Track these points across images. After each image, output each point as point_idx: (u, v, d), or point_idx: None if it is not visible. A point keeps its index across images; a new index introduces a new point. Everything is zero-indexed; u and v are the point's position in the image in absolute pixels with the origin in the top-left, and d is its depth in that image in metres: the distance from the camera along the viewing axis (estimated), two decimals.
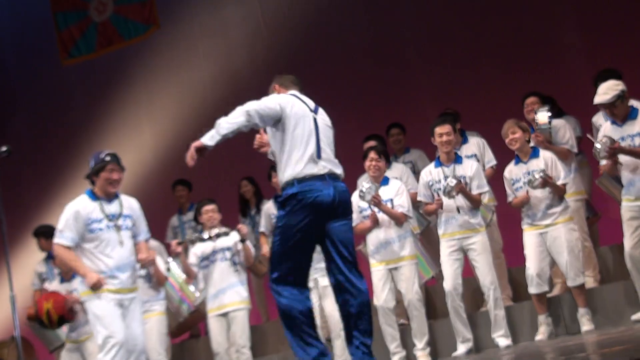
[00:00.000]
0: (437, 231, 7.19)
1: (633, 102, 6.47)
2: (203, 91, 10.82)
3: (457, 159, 7.10)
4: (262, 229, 8.17)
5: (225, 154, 10.33)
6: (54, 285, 7.58)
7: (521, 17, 9.81)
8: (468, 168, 7.04)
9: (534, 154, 6.95)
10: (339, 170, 5.09)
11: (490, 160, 7.72)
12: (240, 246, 7.50)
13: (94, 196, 5.99)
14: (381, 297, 7.19)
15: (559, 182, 6.82)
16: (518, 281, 7.47)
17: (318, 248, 5.07)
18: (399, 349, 7.22)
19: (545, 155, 6.93)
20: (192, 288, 7.83)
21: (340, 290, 5.02)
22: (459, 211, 6.96)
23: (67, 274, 7.39)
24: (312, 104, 5.18)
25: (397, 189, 7.25)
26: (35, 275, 8.70)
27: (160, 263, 7.25)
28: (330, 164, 5.03)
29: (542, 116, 7.19)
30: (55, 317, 6.84)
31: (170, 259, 7.85)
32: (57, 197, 9.50)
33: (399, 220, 7.16)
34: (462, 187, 6.85)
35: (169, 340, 8.03)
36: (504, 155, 7.32)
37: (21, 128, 11.85)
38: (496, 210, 7.64)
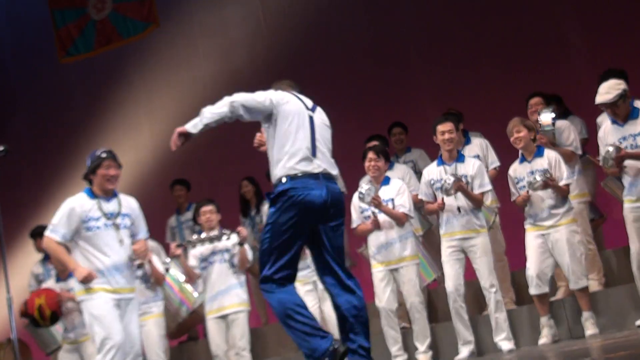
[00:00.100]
0: (439, 232, 7.13)
1: (638, 103, 6.42)
2: (203, 91, 10.77)
3: (460, 158, 7.04)
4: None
5: (227, 153, 10.29)
6: (49, 284, 7.53)
7: (522, 17, 9.79)
8: (470, 167, 6.98)
9: (539, 153, 6.90)
10: (334, 170, 5.01)
11: (494, 161, 7.69)
12: (237, 249, 7.44)
13: (92, 194, 5.96)
14: (383, 298, 7.14)
15: (562, 183, 6.76)
16: (521, 284, 7.40)
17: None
18: (400, 352, 7.17)
19: (549, 154, 6.88)
20: (190, 289, 7.80)
21: (333, 292, 4.92)
22: (459, 211, 6.90)
23: (63, 273, 7.33)
24: (310, 103, 5.11)
25: (398, 189, 7.19)
26: (31, 277, 8.65)
27: (158, 263, 7.18)
28: (325, 164, 4.94)
29: (546, 117, 7.13)
30: (47, 312, 6.76)
31: (168, 260, 7.81)
32: (55, 198, 9.42)
33: (400, 220, 7.10)
34: (460, 185, 6.79)
35: (167, 342, 7.98)
36: (507, 155, 7.27)
37: (19, 127, 11.82)
38: (499, 212, 7.60)
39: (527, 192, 6.77)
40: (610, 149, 6.25)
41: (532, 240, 6.85)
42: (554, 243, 6.76)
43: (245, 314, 7.48)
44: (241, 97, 4.84)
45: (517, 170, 6.95)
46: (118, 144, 10.22)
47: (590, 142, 7.51)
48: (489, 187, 7.03)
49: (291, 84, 5.22)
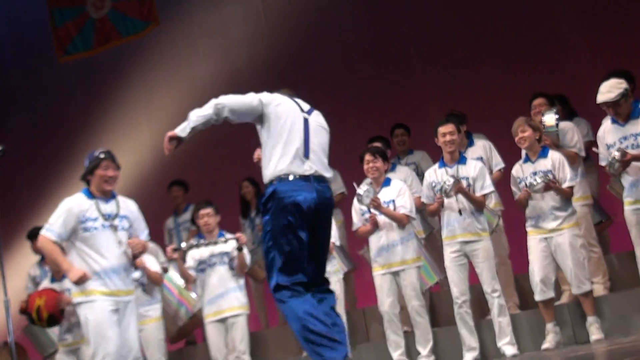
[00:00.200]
0: (441, 235, 7.06)
1: None
2: (202, 90, 10.69)
3: (461, 159, 6.99)
4: None
5: (227, 153, 10.24)
6: (44, 284, 7.46)
7: (524, 17, 9.74)
8: (472, 169, 6.92)
9: (543, 153, 6.84)
10: (328, 173, 4.93)
11: (498, 163, 7.62)
12: (236, 253, 7.39)
13: (90, 195, 5.92)
14: (385, 302, 7.09)
15: (565, 186, 6.70)
16: (525, 288, 7.33)
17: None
18: (402, 357, 7.11)
19: (554, 156, 6.82)
20: (189, 291, 7.74)
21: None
22: (460, 213, 6.83)
23: (58, 274, 7.26)
24: (306, 106, 5.05)
25: (398, 190, 7.14)
26: (28, 279, 8.58)
27: (153, 264, 7.12)
28: (318, 166, 4.86)
29: (550, 118, 7.09)
30: (45, 314, 6.72)
31: (164, 260, 7.76)
32: (53, 198, 9.33)
33: (401, 222, 7.04)
34: (460, 187, 6.73)
35: (166, 346, 7.91)
36: (511, 157, 7.21)
37: (17, 127, 11.77)
38: (503, 215, 7.54)
39: (527, 190, 6.70)
40: (617, 153, 6.21)
41: (534, 244, 6.78)
42: (557, 247, 6.70)
43: (245, 318, 7.44)
44: (227, 99, 4.80)
45: (520, 169, 6.90)
46: (117, 144, 10.20)
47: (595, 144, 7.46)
48: (490, 188, 6.95)
49: (289, 91, 5.15)
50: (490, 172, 7.48)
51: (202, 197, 8.01)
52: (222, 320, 7.38)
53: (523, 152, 6.95)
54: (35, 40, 11.88)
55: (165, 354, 7.87)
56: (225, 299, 7.35)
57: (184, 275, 7.47)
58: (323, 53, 10.61)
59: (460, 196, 6.78)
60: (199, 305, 7.66)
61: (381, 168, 7.19)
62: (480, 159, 7.48)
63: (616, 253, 7.76)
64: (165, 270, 7.94)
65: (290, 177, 4.73)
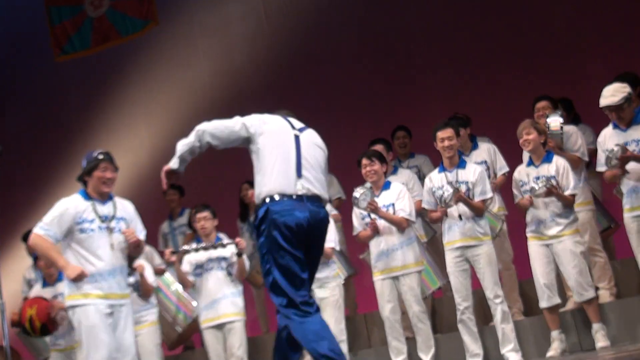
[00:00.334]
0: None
1: None
2: (202, 90, 10.73)
3: (461, 164, 6.90)
4: None
5: (227, 155, 10.17)
6: (36, 289, 7.36)
7: (529, 19, 9.68)
8: (471, 173, 6.84)
9: (547, 158, 6.76)
10: (322, 192, 4.82)
11: (502, 167, 7.55)
12: (235, 259, 7.31)
13: (87, 196, 5.86)
14: (386, 308, 7.02)
15: (567, 192, 6.62)
16: (529, 294, 7.27)
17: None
18: None
19: (558, 161, 6.74)
20: (187, 296, 7.70)
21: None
22: (460, 218, 6.74)
23: (51, 278, 7.18)
24: (298, 124, 4.96)
25: (398, 193, 7.05)
26: (24, 282, 8.52)
27: (149, 275, 7.04)
28: (311, 185, 4.75)
29: (554, 121, 7.02)
30: (37, 324, 6.66)
31: (161, 262, 7.71)
32: (49, 200, 9.25)
33: (400, 225, 6.95)
34: (460, 196, 6.64)
35: (162, 351, 7.83)
36: (516, 161, 7.12)
37: (13, 127, 11.68)
38: (507, 220, 7.46)
39: (530, 197, 6.64)
40: (616, 147, 6.17)
41: (535, 250, 6.72)
42: (557, 254, 6.63)
43: (242, 323, 7.35)
44: (207, 124, 4.79)
45: (522, 172, 6.83)
46: (114, 145, 10.14)
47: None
48: (489, 194, 6.87)
49: (286, 111, 5.08)
50: (495, 175, 7.43)
51: (200, 200, 7.93)
52: (219, 326, 7.30)
53: (525, 156, 6.89)
54: (32, 39, 11.84)
55: (162, 359, 7.79)
56: (223, 303, 7.26)
57: (182, 280, 7.39)
58: (324, 53, 10.57)
59: (458, 204, 6.70)
60: (197, 310, 7.57)
61: (379, 171, 7.10)
62: (485, 162, 7.44)
63: (621, 259, 7.67)
64: (162, 271, 7.86)
65: (283, 197, 4.66)
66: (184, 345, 8.79)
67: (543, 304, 6.67)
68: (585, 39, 9.38)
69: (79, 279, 5.58)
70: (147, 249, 7.58)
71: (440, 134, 6.82)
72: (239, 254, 7.23)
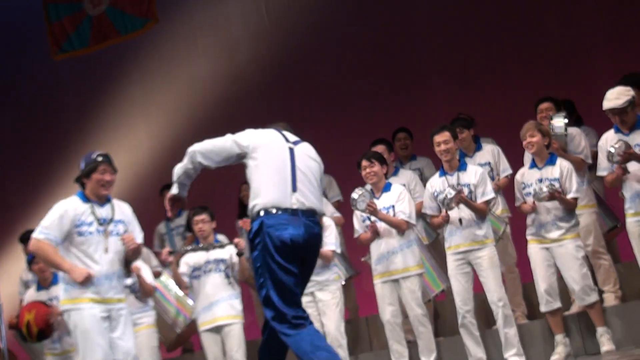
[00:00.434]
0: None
1: None
2: (202, 90, 10.68)
3: (462, 166, 6.84)
4: None
5: None
6: (30, 292, 7.29)
7: (534, 20, 9.64)
8: (472, 175, 6.78)
9: (551, 160, 6.71)
10: (317, 206, 4.79)
11: (506, 169, 7.48)
12: (235, 259, 7.26)
13: (85, 198, 5.79)
14: (387, 311, 6.96)
15: (570, 196, 6.58)
16: (533, 297, 7.20)
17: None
18: None
19: (562, 164, 6.69)
20: (186, 298, 7.64)
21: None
22: (461, 223, 6.68)
23: (45, 281, 7.11)
24: (293, 137, 4.93)
25: (398, 195, 6.99)
26: (20, 284, 8.41)
27: (147, 275, 7.00)
28: (306, 199, 4.72)
29: (558, 122, 6.99)
30: (35, 329, 6.63)
31: (157, 264, 7.70)
32: (46, 201, 9.26)
33: (400, 227, 6.87)
34: (461, 198, 6.58)
35: (159, 354, 7.78)
36: (519, 162, 7.08)
37: (7, 127, 11.59)
38: (510, 222, 7.41)
39: (534, 202, 6.59)
40: (619, 143, 6.14)
41: (536, 253, 6.68)
42: (558, 258, 6.59)
43: (240, 326, 7.31)
44: (198, 145, 4.82)
45: (525, 175, 6.78)
46: (113, 145, 10.12)
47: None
48: (491, 195, 6.80)
49: (282, 125, 5.05)
50: (498, 177, 7.37)
51: (199, 200, 7.86)
52: (217, 329, 7.26)
53: (527, 157, 6.85)
54: (29, 36, 11.76)
55: None
56: (221, 306, 7.22)
57: (178, 280, 7.36)
58: (326, 52, 10.51)
59: (460, 205, 6.64)
60: (195, 310, 7.51)
61: (379, 172, 7.04)
62: (488, 164, 7.39)
63: (626, 262, 7.61)
64: (158, 274, 7.81)
65: (277, 211, 4.64)
66: (182, 348, 8.74)
67: (543, 308, 6.65)
68: (590, 40, 9.33)
69: (86, 281, 5.52)
70: (145, 250, 7.50)
71: (437, 138, 6.77)
72: (239, 254, 7.18)
